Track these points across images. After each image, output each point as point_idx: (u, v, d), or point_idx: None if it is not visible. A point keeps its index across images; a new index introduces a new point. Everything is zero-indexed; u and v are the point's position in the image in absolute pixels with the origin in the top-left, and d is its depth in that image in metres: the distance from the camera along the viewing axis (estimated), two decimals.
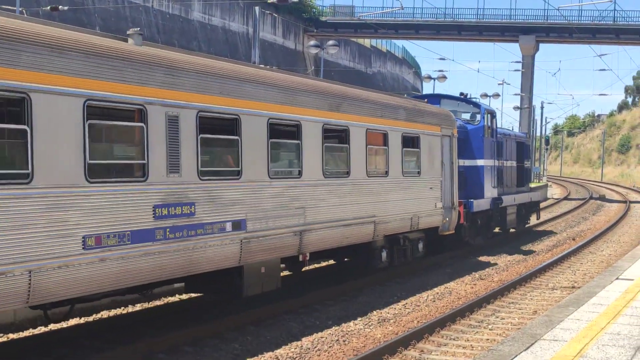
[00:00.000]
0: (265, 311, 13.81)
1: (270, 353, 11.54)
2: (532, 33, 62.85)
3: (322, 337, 12.58)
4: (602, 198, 57.80)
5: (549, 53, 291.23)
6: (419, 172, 18.89)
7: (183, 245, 10.97)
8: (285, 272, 18.01)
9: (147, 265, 10.36)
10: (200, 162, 11.43)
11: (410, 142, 18.59)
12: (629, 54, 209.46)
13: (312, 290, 15.68)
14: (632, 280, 13.25)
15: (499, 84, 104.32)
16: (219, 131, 12.21)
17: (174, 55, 11.53)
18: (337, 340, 12.45)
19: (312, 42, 37.30)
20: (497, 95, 64.91)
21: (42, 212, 8.91)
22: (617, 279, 13.40)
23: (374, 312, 14.68)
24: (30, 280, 8.74)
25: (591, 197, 55.78)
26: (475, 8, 63.08)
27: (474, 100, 27.27)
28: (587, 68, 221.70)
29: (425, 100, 22.19)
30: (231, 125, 12.27)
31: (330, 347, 12.05)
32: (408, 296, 16.43)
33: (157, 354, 11.18)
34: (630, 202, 51.32)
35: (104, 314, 13.86)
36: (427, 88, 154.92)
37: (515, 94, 67.95)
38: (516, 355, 8.09)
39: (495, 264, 21.67)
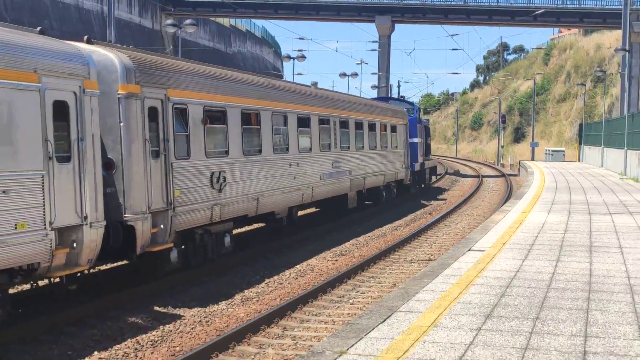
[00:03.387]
0: (126, 295, 13.55)
1: (132, 338, 11.37)
2: (388, 13, 64.08)
3: (184, 319, 12.50)
4: (457, 173, 60.01)
5: (404, 33, 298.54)
6: (397, 147, 32.71)
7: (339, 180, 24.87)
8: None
9: (333, 188, 24.07)
10: (342, 142, 25.54)
11: (394, 129, 32.49)
12: (479, 34, 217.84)
13: (175, 273, 15.52)
14: (483, 250, 13.86)
15: (357, 64, 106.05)
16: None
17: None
18: (200, 321, 12.41)
19: (170, 21, 36.64)
20: (355, 74, 66.12)
21: (311, 164, 22.26)
22: (469, 250, 13.97)
23: (237, 292, 14.71)
24: (307, 192, 21.93)
25: (446, 173, 57.81)
26: None
27: (410, 100, 44.03)
28: (441, 48, 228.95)
29: (389, 101, 37.19)
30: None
31: (192, 328, 12.00)
32: (271, 275, 16.54)
33: (11, 344, 10.77)
34: (483, 176, 53.55)
35: None
36: (287, 67, 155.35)
37: (373, 73, 69.45)
38: (374, 328, 8.32)
39: (356, 239, 22.13)
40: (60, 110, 11.72)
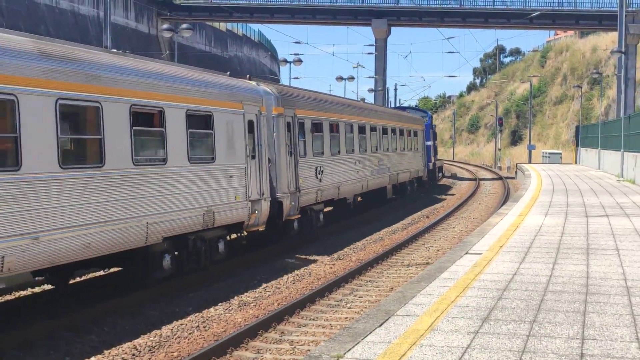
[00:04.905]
0: (123, 302, 13.54)
1: (129, 343, 11.36)
2: (384, 17, 64.12)
3: (182, 324, 12.49)
4: (454, 176, 60.05)
5: (400, 36, 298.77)
6: (417, 149, 39.17)
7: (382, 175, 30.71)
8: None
9: (378, 181, 30.18)
10: (384, 145, 31.13)
11: (415, 133, 38.89)
12: (475, 37, 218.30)
13: (171, 279, 15.51)
14: (480, 254, 13.86)
15: (353, 67, 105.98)
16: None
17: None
18: (198, 326, 12.40)
19: (166, 26, 36.64)
20: (352, 78, 66.10)
21: (366, 162, 28.29)
22: (466, 253, 13.97)
23: (235, 297, 14.70)
24: (364, 183, 28.10)
25: (444, 176, 57.86)
26: None
27: (423, 109, 55.31)
28: (437, 51, 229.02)
29: (407, 110, 44.24)
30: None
31: (190, 333, 11.98)
32: (269, 279, 16.53)
33: (9, 350, 10.75)
34: (480, 179, 53.58)
35: None
36: (284, 71, 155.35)
37: (370, 77, 69.40)
38: (371, 332, 8.32)
39: (354, 243, 22.13)
40: (250, 126, 17.74)
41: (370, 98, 69.69)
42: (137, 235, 13.04)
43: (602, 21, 63.36)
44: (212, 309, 13.67)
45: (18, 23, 46.07)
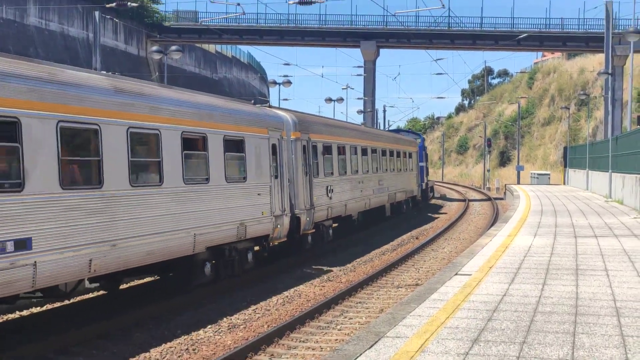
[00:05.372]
0: (112, 324, 13.47)
1: None
2: (372, 39, 64.47)
3: (170, 347, 12.42)
4: (444, 197, 60.16)
5: (389, 58, 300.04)
6: (412, 169, 41.57)
7: (382, 194, 33.05)
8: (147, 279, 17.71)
9: (379, 199, 32.40)
10: (383, 166, 32.99)
11: (410, 155, 41.39)
12: (463, 58, 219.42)
13: (160, 301, 15.45)
14: (470, 274, 13.87)
15: (342, 89, 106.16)
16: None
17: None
18: (187, 349, 12.33)
19: (155, 48, 36.72)
20: (341, 99, 66.26)
21: (368, 182, 30.77)
22: (456, 274, 13.98)
23: (224, 319, 14.63)
24: (367, 201, 30.70)
25: (433, 197, 57.94)
26: (317, 14, 64.02)
27: (417, 132, 58.58)
28: (425, 72, 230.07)
29: (400, 133, 45.58)
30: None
31: (179, 356, 11.92)
32: (258, 301, 16.48)
33: None
34: (469, 200, 53.68)
35: None
36: (273, 93, 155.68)
37: (359, 98, 69.67)
38: (361, 354, 8.30)
39: (343, 265, 22.11)
40: (274, 149, 19.91)
41: (359, 119, 69.84)
42: (187, 244, 15.11)
43: (589, 43, 63.93)
44: (201, 331, 13.61)
45: (7, 45, 46.09)
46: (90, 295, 15.97)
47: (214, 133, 16.55)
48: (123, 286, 17.22)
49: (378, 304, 16.19)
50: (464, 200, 53.55)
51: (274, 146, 19.87)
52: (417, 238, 29.89)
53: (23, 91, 10.86)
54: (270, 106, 22.15)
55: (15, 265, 10.40)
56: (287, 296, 17.08)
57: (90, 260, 12.01)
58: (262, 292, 17.58)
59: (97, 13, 32.42)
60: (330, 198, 24.48)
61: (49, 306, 15.29)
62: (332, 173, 25.12)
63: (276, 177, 19.78)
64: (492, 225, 30.91)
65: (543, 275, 13.82)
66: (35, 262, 10.77)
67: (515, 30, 62.61)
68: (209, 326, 14.01)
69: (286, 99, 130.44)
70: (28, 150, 10.79)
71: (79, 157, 12.38)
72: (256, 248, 19.33)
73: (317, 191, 23.09)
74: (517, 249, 17.90)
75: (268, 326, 13.90)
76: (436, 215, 42.09)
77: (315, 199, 22.77)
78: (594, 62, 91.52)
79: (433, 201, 54.27)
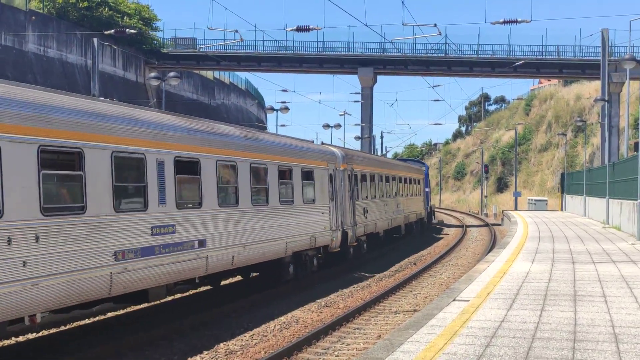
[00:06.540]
0: (106, 350, 13.39)
1: None
2: (370, 65, 64.70)
3: None
4: (441, 223, 60.13)
5: (386, 84, 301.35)
6: (420, 194, 46.21)
7: (399, 215, 38.20)
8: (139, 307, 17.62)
9: (397, 219, 37.58)
10: (400, 191, 38.52)
11: (418, 182, 45.76)
12: (460, 85, 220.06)
13: (158, 326, 15.37)
14: (468, 300, 13.82)
15: (340, 115, 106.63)
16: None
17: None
18: None
19: (153, 74, 36.85)
20: (339, 125, 66.38)
21: (391, 204, 35.99)
22: (454, 300, 13.93)
23: (221, 345, 14.55)
24: (390, 221, 35.50)
25: (433, 220, 57.90)
26: (315, 41, 64.02)
27: (422, 161, 65.79)
28: (423, 98, 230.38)
29: (407, 162, 51.21)
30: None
31: None
32: (255, 327, 16.40)
33: None
34: (467, 226, 53.65)
35: None
36: (271, 119, 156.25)
37: (356, 124, 69.77)
38: None
39: (341, 290, 22.04)
40: (331, 177, 24.87)
41: (356, 145, 70.02)
42: (282, 249, 20.25)
43: (585, 70, 64.19)
44: (197, 357, 13.52)
45: (6, 72, 46.23)
46: (90, 320, 15.85)
47: (296, 166, 21.84)
48: (118, 313, 17.12)
49: (376, 329, 16.11)
50: (461, 227, 53.53)
51: (331, 175, 24.86)
52: (415, 264, 29.84)
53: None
54: (322, 143, 27.42)
55: (199, 256, 15.52)
56: (284, 322, 17.00)
57: (233, 257, 17.03)
58: (259, 318, 17.50)
59: (95, 40, 32.60)
60: (366, 217, 29.33)
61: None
62: (367, 197, 29.98)
63: (332, 199, 24.72)
64: (489, 251, 30.87)
65: (541, 301, 13.79)
66: (207, 255, 15.87)
67: (512, 57, 62.83)
68: (205, 352, 13.93)
69: (283, 125, 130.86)
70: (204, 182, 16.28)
71: (228, 184, 17.53)
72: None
73: (357, 211, 27.87)
74: (515, 275, 17.86)
75: (265, 352, 13.81)
76: (432, 241, 42.25)
77: (356, 218, 27.54)
78: (590, 88, 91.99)
79: (432, 225, 55.96)
